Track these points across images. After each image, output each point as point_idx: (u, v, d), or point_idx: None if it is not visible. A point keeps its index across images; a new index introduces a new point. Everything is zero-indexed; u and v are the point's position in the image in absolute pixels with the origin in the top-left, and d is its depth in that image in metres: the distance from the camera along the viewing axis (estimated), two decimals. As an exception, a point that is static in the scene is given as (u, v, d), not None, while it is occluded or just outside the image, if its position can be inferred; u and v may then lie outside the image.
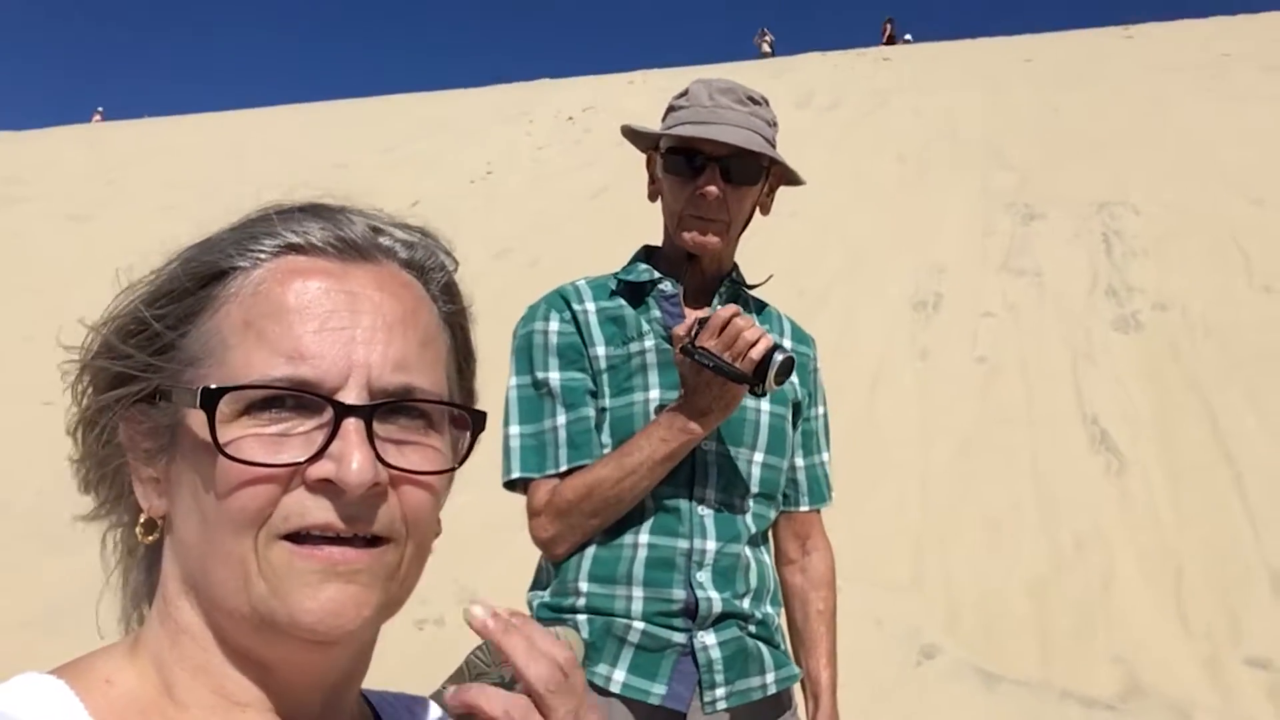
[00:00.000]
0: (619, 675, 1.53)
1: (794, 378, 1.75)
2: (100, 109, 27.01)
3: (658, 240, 1.79)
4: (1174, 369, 6.19)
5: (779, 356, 1.47)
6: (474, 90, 21.06)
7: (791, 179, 1.77)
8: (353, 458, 0.56)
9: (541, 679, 0.58)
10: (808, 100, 14.77)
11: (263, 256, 0.61)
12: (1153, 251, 7.86)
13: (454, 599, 4.42)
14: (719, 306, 1.58)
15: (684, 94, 1.72)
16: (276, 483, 0.57)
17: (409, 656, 3.65)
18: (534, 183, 13.08)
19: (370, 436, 0.58)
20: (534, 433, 1.62)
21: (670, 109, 1.73)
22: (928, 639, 4.18)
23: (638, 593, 1.56)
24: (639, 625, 1.55)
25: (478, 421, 0.66)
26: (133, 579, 0.67)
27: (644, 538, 1.58)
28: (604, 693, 1.53)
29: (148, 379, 0.60)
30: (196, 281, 0.61)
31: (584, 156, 13.67)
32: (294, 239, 0.62)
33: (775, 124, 1.72)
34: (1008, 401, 6.16)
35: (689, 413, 1.52)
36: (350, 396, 0.58)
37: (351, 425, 0.57)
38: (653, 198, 1.78)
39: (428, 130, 17.12)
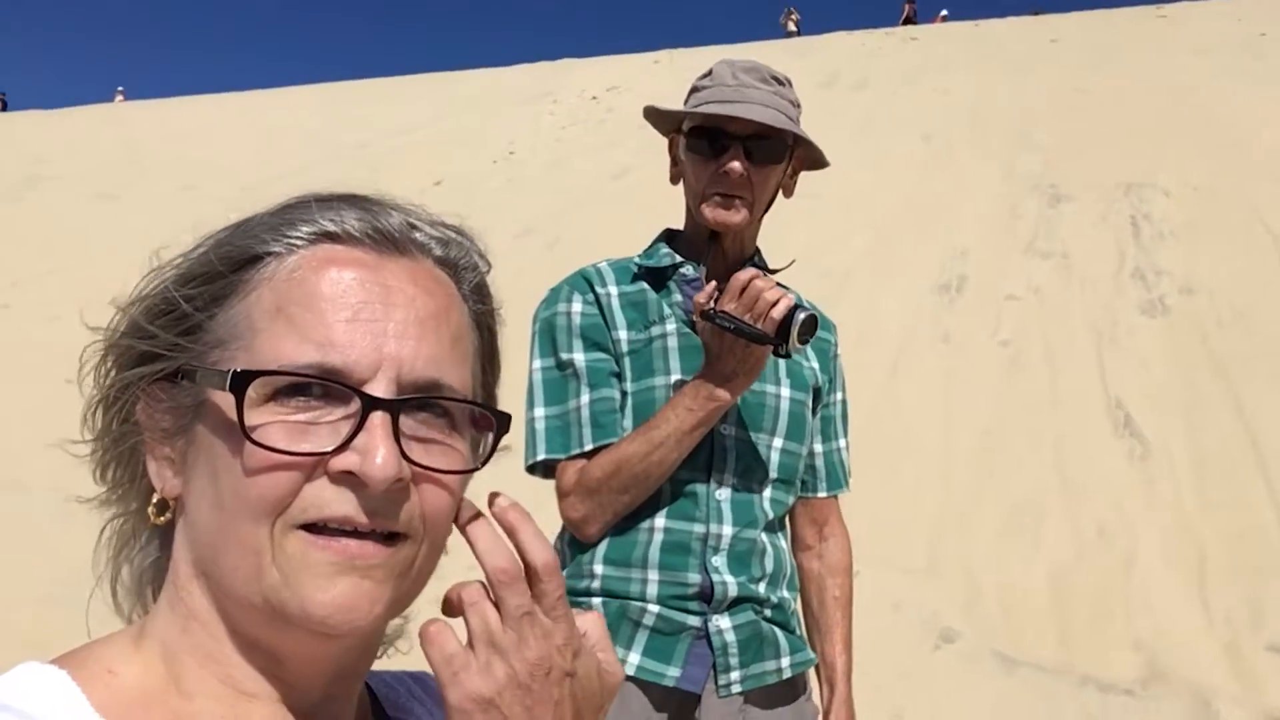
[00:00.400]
0: (633, 658, 1.54)
1: (814, 363, 1.74)
2: (121, 89, 27.22)
3: (679, 224, 1.78)
4: (1200, 353, 6.12)
5: (801, 315, 1.46)
6: (497, 69, 21.00)
7: (816, 161, 1.75)
8: (378, 452, 0.56)
9: (492, 569, 0.59)
10: (833, 80, 14.65)
11: (298, 243, 0.61)
12: (1181, 235, 7.76)
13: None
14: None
15: (707, 74, 1.70)
16: (299, 471, 0.56)
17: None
18: (556, 163, 13.06)
19: (396, 431, 0.57)
20: (559, 414, 1.62)
21: (693, 89, 1.71)
22: (946, 623, 4.17)
23: (653, 576, 1.56)
24: (654, 608, 1.55)
25: (501, 423, 0.65)
26: (137, 564, 0.67)
27: (660, 522, 1.58)
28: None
29: (173, 358, 0.60)
30: (229, 265, 0.60)
31: (607, 137, 13.63)
32: (330, 227, 0.61)
33: (798, 105, 1.70)
34: (1031, 385, 6.11)
35: (714, 379, 1.51)
36: (379, 389, 0.57)
37: (378, 419, 0.57)
38: (675, 181, 1.77)
39: (451, 110, 17.11)
